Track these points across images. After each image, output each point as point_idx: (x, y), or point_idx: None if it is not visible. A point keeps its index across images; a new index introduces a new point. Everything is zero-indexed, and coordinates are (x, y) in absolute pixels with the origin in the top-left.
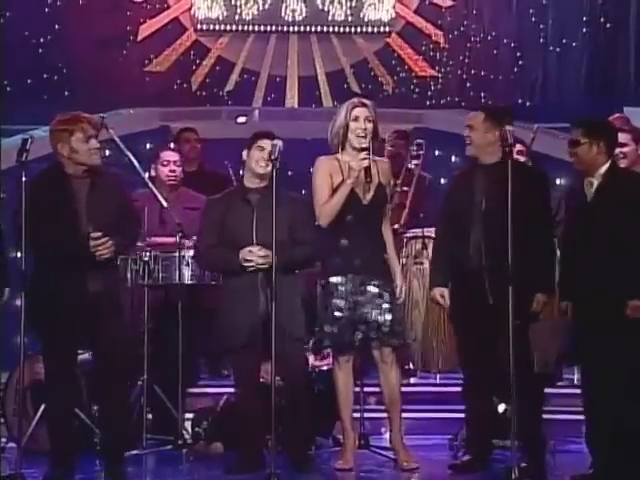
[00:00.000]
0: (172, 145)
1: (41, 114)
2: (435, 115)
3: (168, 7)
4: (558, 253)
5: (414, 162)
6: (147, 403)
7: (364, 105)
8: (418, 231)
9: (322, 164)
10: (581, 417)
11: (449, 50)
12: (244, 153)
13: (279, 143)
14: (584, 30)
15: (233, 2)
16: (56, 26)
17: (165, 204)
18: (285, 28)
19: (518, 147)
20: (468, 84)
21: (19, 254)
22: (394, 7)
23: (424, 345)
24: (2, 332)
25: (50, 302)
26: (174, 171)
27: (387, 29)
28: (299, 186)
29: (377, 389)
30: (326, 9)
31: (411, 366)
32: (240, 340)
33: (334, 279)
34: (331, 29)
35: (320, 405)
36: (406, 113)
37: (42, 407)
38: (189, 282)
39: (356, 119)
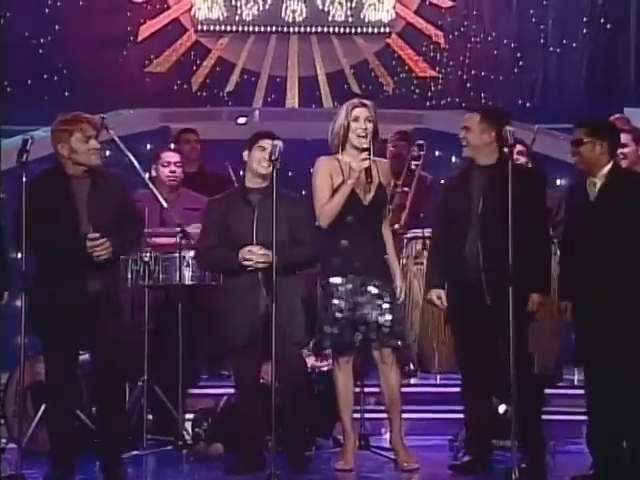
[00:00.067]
0: (172, 146)
1: (41, 115)
2: (435, 116)
3: (168, 8)
4: (558, 253)
5: (415, 163)
6: (147, 404)
7: (364, 105)
8: (418, 231)
9: (322, 164)
10: (581, 418)
11: (449, 51)
12: (245, 154)
13: (279, 143)
14: (584, 31)
15: (233, 3)
16: (56, 27)
17: (165, 205)
18: (285, 29)
19: (518, 148)
20: (468, 85)
21: (19, 255)
22: (394, 8)
23: (424, 346)
24: (2, 332)
25: (51, 302)
26: (174, 172)
27: (387, 30)
28: (299, 187)
29: (377, 390)
30: (326, 10)
31: (411, 367)
32: (241, 340)
33: (334, 280)
34: (331, 30)
35: (320, 406)
36: (406, 114)
37: (42, 408)
38: (189, 283)
39: (356, 119)
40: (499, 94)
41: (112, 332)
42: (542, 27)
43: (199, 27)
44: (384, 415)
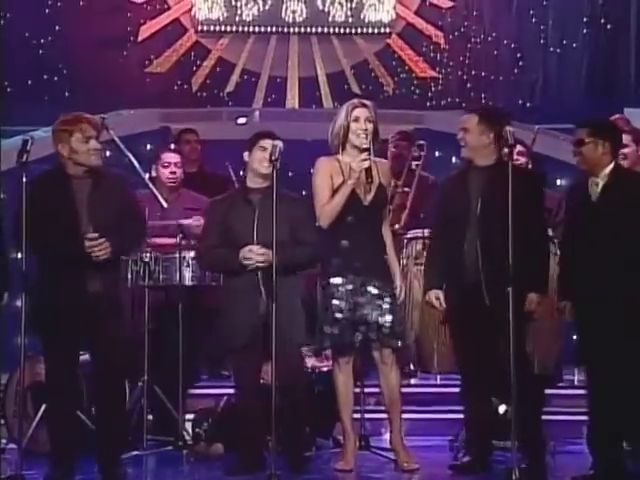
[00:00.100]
0: (172, 146)
1: (41, 115)
2: (435, 116)
3: (168, 8)
4: (558, 253)
5: (415, 163)
6: (147, 404)
7: (364, 106)
8: (418, 232)
9: (322, 165)
10: (582, 418)
11: (449, 51)
12: (245, 154)
13: (279, 144)
14: (584, 31)
15: (233, 3)
16: (56, 27)
17: (165, 205)
18: (285, 29)
19: (519, 148)
20: (468, 85)
21: (19, 255)
22: (394, 8)
23: (424, 346)
24: (2, 333)
25: (52, 303)
26: (175, 173)
27: (387, 30)
28: (299, 187)
29: (377, 390)
30: (326, 10)
31: (411, 367)
32: (241, 340)
33: (334, 280)
34: (331, 30)
35: (320, 406)
36: (406, 114)
37: (42, 408)
38: (189, 283)
39: (356, 120)
40: (499, 94)
41: (112, 332)
42: (542, 27)
43: (199, 27)
44: (384, 415)
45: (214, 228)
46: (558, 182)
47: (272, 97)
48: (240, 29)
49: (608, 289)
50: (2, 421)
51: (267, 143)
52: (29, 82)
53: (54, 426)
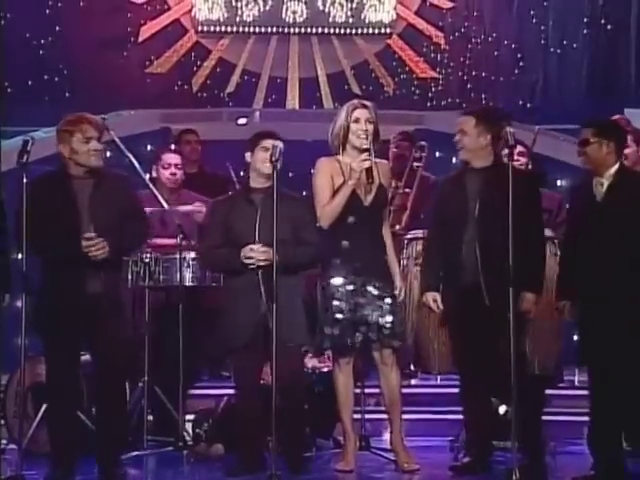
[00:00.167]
0: (173, 147)
1: (42, 115)
2: (436, 116)
3: (169, 9)
4: (559, 253)
5: (417, 164)
6: (148, 404)
7: (365, 107)
8: (419, 232)
9: (323, 165)
10: (582, 418)
11: (450, 51)
12: (247, 155)
13: (279, 144)
14: (585, 31)
15: (234, 4)
16: (57, 27)
17: (166, 206)
18: (286, 29)
19: (519, 149)
20: (469, 85)
21: (20, 256)
22: (395, 9)
23: (424, 347)
24: (3, 333)
25: (54, 303)
26: (175, 174)
27: (388, 30)
28: (300, 187)
29: (377, 390)
30: (327, 10)
31: (412, 368)
32: (242, 340)
33: (335, 281)
34: (332, 30)
35: (320, 407)
36: (407, 114)
37: (42, 409)
38: (190, 284)
39: (357, 121)
40: (499, 95)
41: (113, 333)
42: (543, 28)
43: (199, 28)
44: (384, 416)
45: (216, 228)
46: (558, 183)
47: (272, 97)
48: (240, 30)
49: (613, 289)
50: (2, 421)
51: (269, 143)
52: (29, 82)
53: (54, 426)
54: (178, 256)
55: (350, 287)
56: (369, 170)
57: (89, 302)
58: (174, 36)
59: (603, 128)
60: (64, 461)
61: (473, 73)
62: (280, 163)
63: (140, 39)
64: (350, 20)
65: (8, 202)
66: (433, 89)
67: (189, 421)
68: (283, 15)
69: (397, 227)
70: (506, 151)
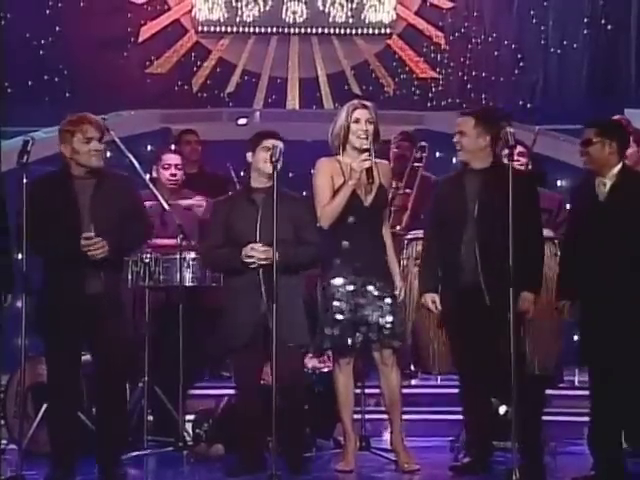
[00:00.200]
0: (173, 147)
1: (42, 116)
2: (436, 117)
3: (169, 9)
4: (559, 254)
5: (417, 164)
6: (148, 404)
7: (365, 107)
8: (419, 232)
9: (323, 165)
10: (582, 419)
11: (450, 52)
12: (249, 155)
13: (279, 144)
14: (585, 31)
15: (234, 4)
16: (57, 28)
17: (166, 206)
18: (286, 30)
19: (519, 149)
20: (469, 86)
21: (20, 255)
22: (395, 9)
23: (424, 347)
24: (3, 333)
25: (56, 303)
26: (175, 175)
27: (388, 31)
28: (300, 187)
29: (377, 391)
30: (327, 11)
31: (412, 368)
32: (242, 340)
33: (335, 281)
34: (332, 31)
35: (321, 407)
36: (407, 115)
37: (43, 409)
38: (190, 284)
39: (357, 121)
40: (500, 95)
41: (113, 333)
42: (543, 28)
43: (200, 28)
44: (385, 416)
45: (217, 228)
46: (558, 183)
47: (272, 98)
48: (240, 30)
49: (615, 289)
50: (2, 422)
51: (271, 143)
52: (29, 83)
53: (54, 427)
54: (178, 256)
55: (350, 287)
56: (369, 170)
57: (90, 302)
58: (174, 36)
59: (606, 128)
60: (64, 461)
61: (473, 73)
62: (281, 163)
63: (140, 39)
64: (350, 20)
65: (8, 202)
66: (433, 89)
67: (189, 421)
68: (283, 15)
69: (398, 228)
70: (506, 151)
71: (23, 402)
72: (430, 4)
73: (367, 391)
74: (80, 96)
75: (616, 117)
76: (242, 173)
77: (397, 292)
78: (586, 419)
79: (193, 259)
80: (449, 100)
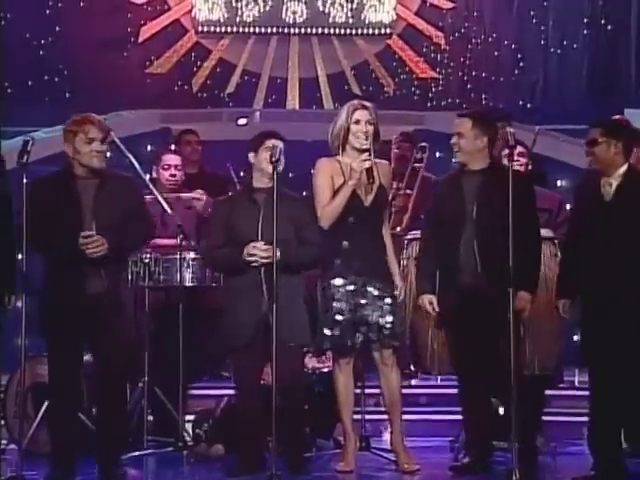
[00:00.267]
0: (173, 147)
1: (42, 116)
2: (436, 117)
3: (169, 9)
4: (559, 254)
5: (418, 165)
6: (148, 405)
7: (365, 108)
8: (419, 233)
9: (323, 165)
10: (582, 419)
11: (450, 52)
12: (251, 155)
13: (280, 145)
14: (585, 32)
15: (234, 4)
16: (57, 28)
17: (166, 206)
18: (286, 30)
19: (519, 149)
20: (469, 86)
21: (20, 256)
22: (395, 9)
23: (423, 347)
24: (3, 333)
25: (57, 303)
26: (175, 175)
27: (388, 31)
28: (300, 188)
29: (377, 391)
30: (327, 11)
31: (412, 368)
32: (243, 340)
33: (335, 281)
34: (332, 31)
35: (321, 407)
36: (407, 115)
37: (43, 409)
38: (190, 284)
39: (357, 122)
40: (500, 95)
41: (114, 333)
42: (543, 28)
43: (200, 28)
44: (384, 416)
45: (218, 227)
46: (558, 183)
47: (272, 98)
48: (240, 30)
49: (620, 289)
50: (2, 421)
51: (272, 143)
52: (29, 83)
53: (55, 427)
54: (178, 256)
55: (350, 287)
56: (369, 170)
57: (91, 302)
58: (174, 36)
59: (611, 128)
60: (64, 461)
61: (473, 73)
62: (281, 163)
63: (140, 39)
64: (350, 20)
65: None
66: (433, 89)
67: (189, 421)
68: (283, 15)
69: (398, 229)
70: (506, 151)
71: (23, 402)
72: (430, 4)
73: (367, 391)
74: (80, 96)
75: (616, 117)
76: (242, 173)
77: (397, 292)
78: (586, 419)
79: (193, 259)
80: (449, 100)
